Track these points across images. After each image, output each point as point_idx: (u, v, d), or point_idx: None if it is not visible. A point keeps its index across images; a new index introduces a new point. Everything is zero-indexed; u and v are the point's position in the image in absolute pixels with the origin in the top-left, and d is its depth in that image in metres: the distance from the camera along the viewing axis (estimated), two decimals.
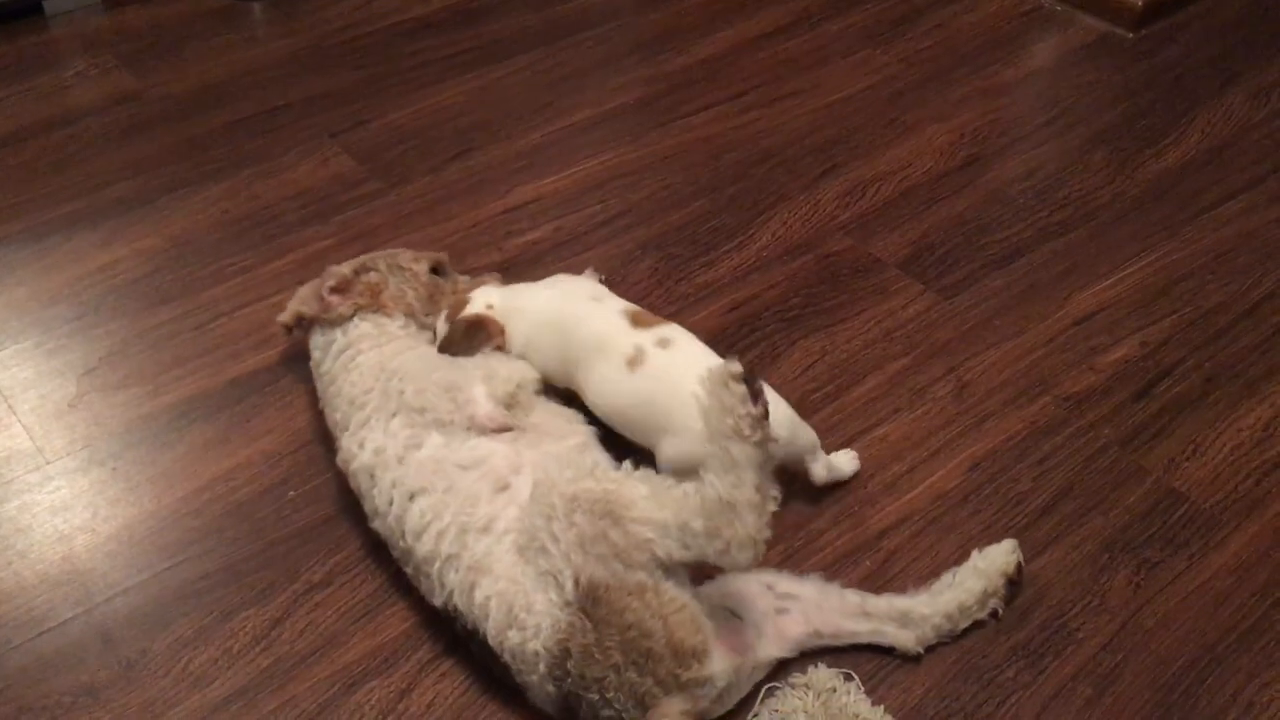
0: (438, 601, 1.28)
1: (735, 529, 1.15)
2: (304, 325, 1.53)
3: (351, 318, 1.48)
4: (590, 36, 2.38)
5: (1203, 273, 1.84)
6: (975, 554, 1.38)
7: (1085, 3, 2.45)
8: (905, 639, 1.31)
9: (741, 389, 1.14)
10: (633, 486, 1.20)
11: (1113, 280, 1.82)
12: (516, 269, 1.82)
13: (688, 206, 1.95)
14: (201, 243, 1.87)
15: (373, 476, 1.34)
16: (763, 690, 1.27)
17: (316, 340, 1.50)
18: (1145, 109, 2.20)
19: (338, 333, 1.48)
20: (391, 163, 2.04)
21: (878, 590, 1.36)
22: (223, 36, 2.34)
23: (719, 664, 1.19)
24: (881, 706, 1.26)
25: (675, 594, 1.18)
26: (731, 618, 1.27)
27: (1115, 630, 1.35)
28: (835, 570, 1.40)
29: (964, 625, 1.33)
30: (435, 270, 1.60)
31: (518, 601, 1.20)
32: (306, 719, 1.26)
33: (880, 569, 1.41)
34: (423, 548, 1.28)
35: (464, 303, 1.52)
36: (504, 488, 1.29)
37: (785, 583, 1.34)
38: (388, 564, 1.38)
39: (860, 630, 1.32)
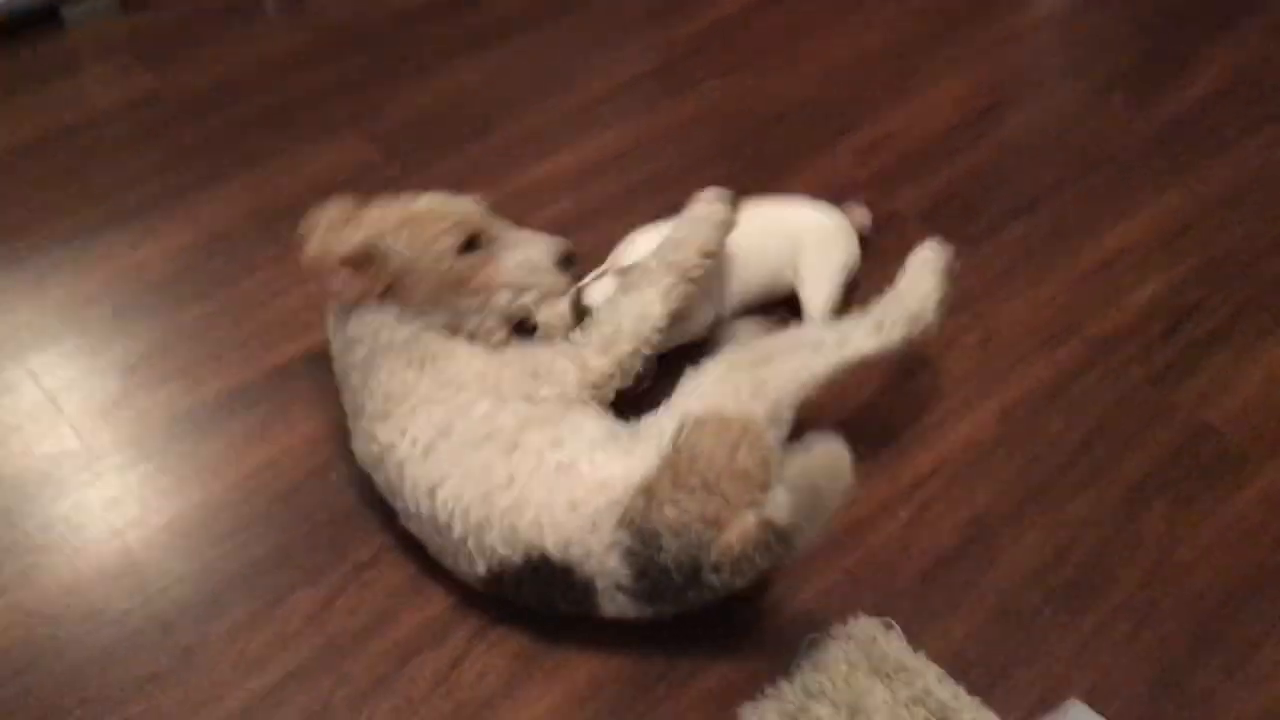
0: (481, 569, 1.29)
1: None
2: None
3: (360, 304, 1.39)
4: (601, 6, 2.38)
5: (1225, 209, 1.83)
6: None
7: None
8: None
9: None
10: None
11: (1135, 221, 1.82)
12: None
13: (707, 172, 1.95)
14: (230, 237, 1.90)
15: (402, 471, 1.34)
16: (804, 641, 1.29)
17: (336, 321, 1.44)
18: (1159, 47, 2.18)
19: (367, 315, 1.39)
20: (411, 147, 2.06)
21: (907, 549, 1.38)
22: (238, 31, 2.36)
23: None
24: (923, 652, 1.28)
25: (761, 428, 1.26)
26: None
27: (1150, 567, 1.36)
28: (869, 522, 1.42)
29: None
30: (470, 244, 1.43)
31: (563, 498, 1.25)
32: (362, 694, 1.31)
33: (915, 517, 1.43)
34: (455, 533, 1.30)
35: None
36: (514, 447, 1.31)
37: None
38: None
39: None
